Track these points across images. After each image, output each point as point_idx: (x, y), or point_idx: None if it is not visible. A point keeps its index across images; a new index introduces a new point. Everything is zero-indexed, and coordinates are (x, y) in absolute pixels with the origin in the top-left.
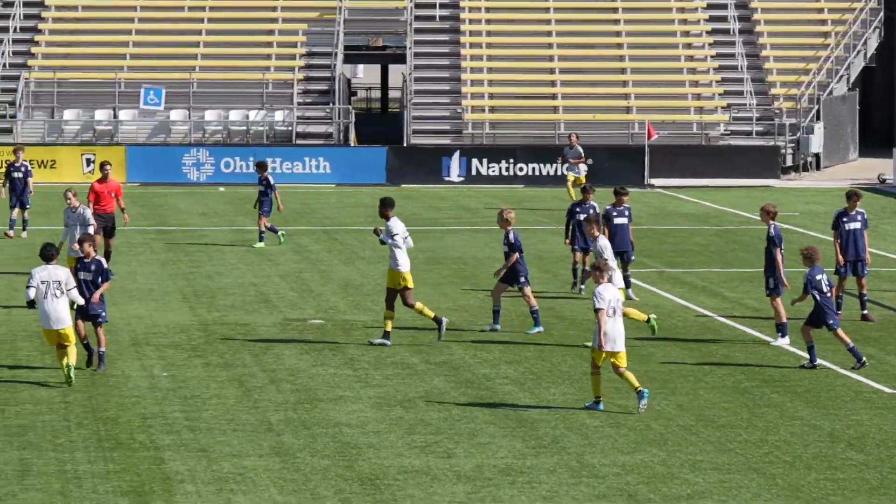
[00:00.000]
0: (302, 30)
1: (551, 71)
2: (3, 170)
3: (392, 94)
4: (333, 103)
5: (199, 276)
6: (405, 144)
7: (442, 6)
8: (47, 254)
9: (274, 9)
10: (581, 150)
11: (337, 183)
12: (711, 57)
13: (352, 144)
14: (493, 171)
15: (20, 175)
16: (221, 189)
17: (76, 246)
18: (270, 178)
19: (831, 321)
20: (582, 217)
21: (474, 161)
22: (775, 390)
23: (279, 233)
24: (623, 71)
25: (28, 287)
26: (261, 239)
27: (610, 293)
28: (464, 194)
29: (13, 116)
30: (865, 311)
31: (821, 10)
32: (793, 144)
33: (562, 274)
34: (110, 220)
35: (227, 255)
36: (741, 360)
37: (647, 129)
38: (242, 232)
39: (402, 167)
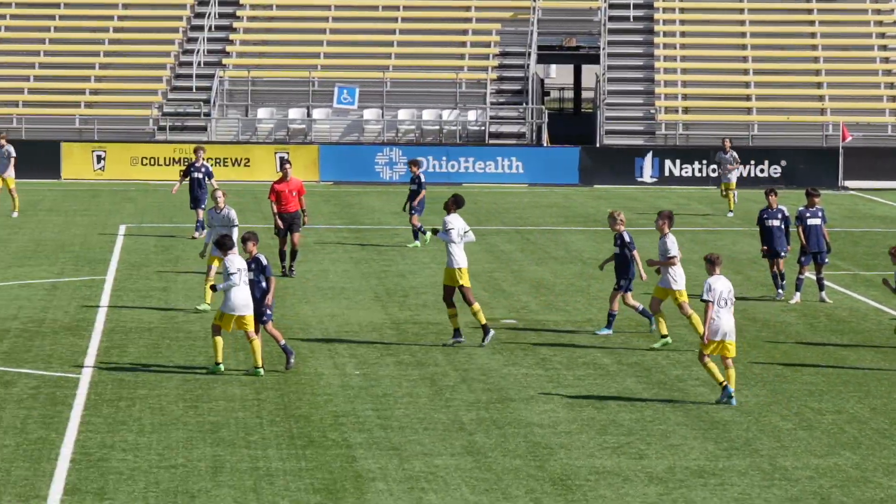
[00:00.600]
0: (495, 29)
1: (745, 72)
2: (184, 168)
3: (585, 94)
4: (526, 103)
5: (392, 275)
6: (598, 145)
7: (636, 6)
8: (230, 244)
9: (468, 8)
10: (736, 155)
11: (529, 183)
12: None
13: (544, 145)
14: (687, 172)
15: (200, 175)
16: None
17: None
18: (422, 177)
19: None
20: (770, 223)
21: (667, 162)
22: None
23: (426, 234)
24: (818, 72)
25: (230, 274)
26: (416, 237)
27: (721, 284)
28: (657, 195)
29: (207, 114)
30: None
31: None
32: None
33: (754, 276)
34: (293, 219)
35: (419, 254)
36: None
37: (842, 130)
38: None
39: (594, 167)
